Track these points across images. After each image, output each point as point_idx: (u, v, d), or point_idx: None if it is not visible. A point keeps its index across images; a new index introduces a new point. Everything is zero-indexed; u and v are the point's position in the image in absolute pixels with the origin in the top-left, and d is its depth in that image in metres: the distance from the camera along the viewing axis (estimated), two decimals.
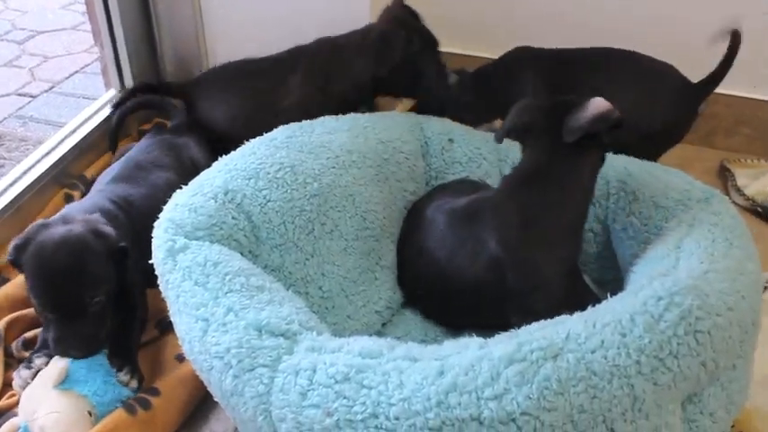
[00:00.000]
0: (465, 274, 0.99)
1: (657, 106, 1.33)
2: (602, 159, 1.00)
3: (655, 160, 1.20)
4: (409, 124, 1.21)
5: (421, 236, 1.07)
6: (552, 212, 0.97)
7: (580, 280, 1.06)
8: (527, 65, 1.42)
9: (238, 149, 1.06)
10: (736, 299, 0.82)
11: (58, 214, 1.09)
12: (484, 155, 1.20)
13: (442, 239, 1.03)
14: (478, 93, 1.43)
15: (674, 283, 0.80)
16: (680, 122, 1.36)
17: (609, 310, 0.79)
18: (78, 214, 1.05)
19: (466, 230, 1.00)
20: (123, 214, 1.13)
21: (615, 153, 1.14)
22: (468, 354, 0.74)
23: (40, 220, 1.04)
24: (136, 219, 1.13)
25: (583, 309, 0.81)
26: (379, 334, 1.05)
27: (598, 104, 0.93)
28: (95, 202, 1.13)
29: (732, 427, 1.01)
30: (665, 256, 0.90)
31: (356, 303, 1.05)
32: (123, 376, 1.00)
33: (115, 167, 1.28)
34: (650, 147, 1.27)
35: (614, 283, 1.05)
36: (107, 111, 1.60)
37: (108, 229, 1.02)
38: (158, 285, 0.91)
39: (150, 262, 0.92)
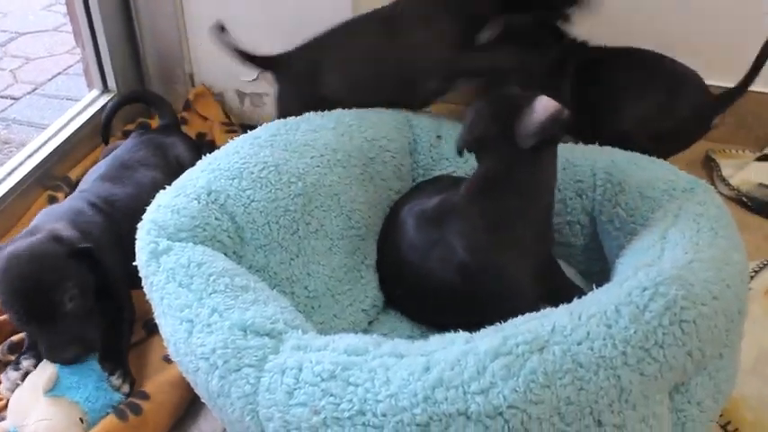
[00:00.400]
0: (437, 277, 0.99)
1: (673, 109, 1.33)
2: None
3: None
4: (397, 121, 1.21)
5: (396, 237, 1.07)
6: (516, 216, 0.96)
7: (559, 275, 1.05)
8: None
9: (222, 148, 1.06)
10: (721, 288, 0.82)
11: (28, 227, 1.09)
12: None
13: (413, 243, 1.03)
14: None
15: (659, 273, 0.80)
16: (691, 130, 1.37)
17: (594, 302, 0.79)
18: (47, 224, 1.05)
19: (434, 234, 1.00)
20: (102, 215, 1.13)
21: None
22: (454, 349, 0.74)
23: (3, 244, 1.03)
24: (119, 219, 1.13)
25: (567, 302, 0.81)
26: (366, 332, 1.05)
27: (546, 105, 0.91)
28: (72, 206, 1.14)
29: (720, 416, 1.01)
30: (650, 247, 0.90)
31: (342, 302, 1.05)
32: (116, 380, 1.00)
33: (101, 166, 1.28)
34: (657, 148, 1.28)
35: (601, 274, 1.05)
36: (90, 112, 1.59)
37: (69, 233, 1.02)
38: (143, 287, 0.90)
39: (134, 264, 0.91)
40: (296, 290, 1.00)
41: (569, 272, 1.11)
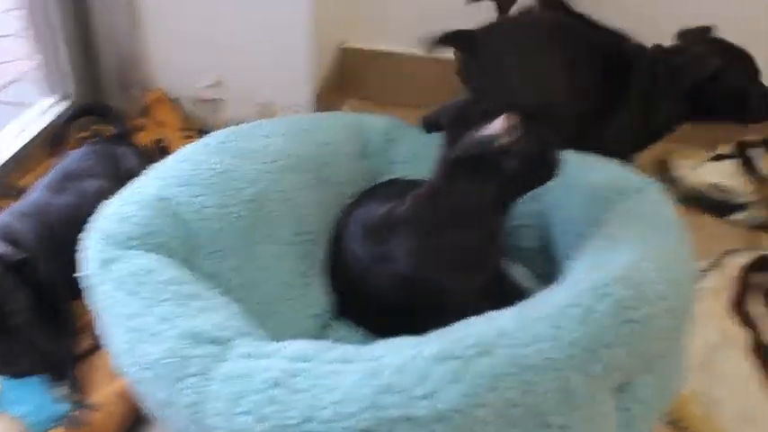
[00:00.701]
0: (380, 289, 0.99)
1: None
2: (509, 190, 0.96)
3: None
4: (349, 124, 1.20)
5: (343, 246, 1.06)
6: (455, 234, 0.95)
7: (508, 282, 1.05)
8: None
9: (171, 156, 1.05)
10: (669, 288, 0.83)
11: None
12: (424, 153, 1.19)
13: (358, 253, 1.02)
14: None
15: (608, 273, 0.81)
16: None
17: (542, 304, 0.79)
18: None
19: (377, 246, 0.99)
20: (35, 225, 1.12)
21: None
22: (401, 353, 0.74)
23: None
24: (55, 228, 1.13)
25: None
26: (320, 337, 1.04)
27: (498, 126, 0.90)
28: (2, 219, 1.13)
29: (670, 413, 1.02)
30: (599, 248, 0.90)
31: (295, 308, 1.04)
32: (60, 391, 0.99)
33: (47, 176, 1.27)
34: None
35: (556, 276, 1.05)
36: (46, 119, 1.58)
37: (2, 249, 1.02)
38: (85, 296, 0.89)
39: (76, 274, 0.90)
40: (248, 296, 0.99)
41: (524, 274, 1.12)
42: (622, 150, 1.25)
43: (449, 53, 1.64)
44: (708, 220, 1.45)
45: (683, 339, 0.92)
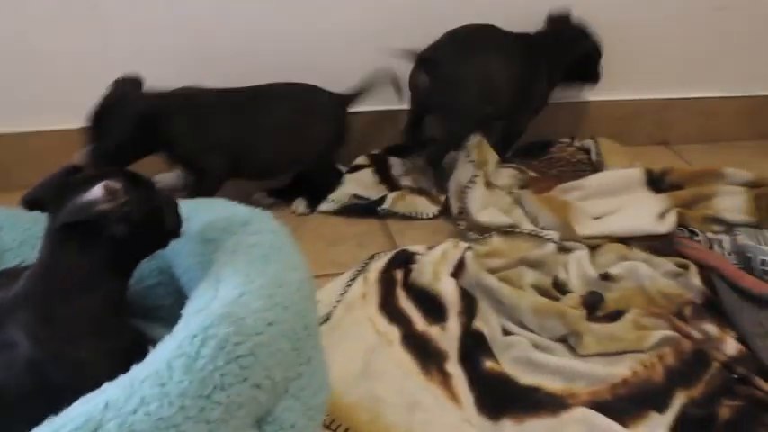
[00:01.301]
0: (4, 386, 0.89)
1: None
2: (125, 253, 0.94)
3: None
4: None
5: None
6: (74, 304, 0.90)
7: (143, 346, 1.02)
8: None
9: None
10: (276, 312, 0.84)
11: None
12: (37, 235, 1.11)
13: None
14: None
15: (207, 316, 0.80)
16: None
17: (147, 364, 0.77)
18: None
19: None
20: None
21: None
22: None
23: None
24: None
25: None
26: None
27: (95, 191, 0.88)
28: None
29: (337, 426, 1.04)
30: (205, 291, 0.89)
31: None
32: None
33: None
34: None
35: None
36: None
37: None
38: None
39: None
40: None
41: (165, 333, 1.08)
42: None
43: (71, 124, 1.58)
44: (351, 230, 1.51)
45: (314, 355, 0.94)
